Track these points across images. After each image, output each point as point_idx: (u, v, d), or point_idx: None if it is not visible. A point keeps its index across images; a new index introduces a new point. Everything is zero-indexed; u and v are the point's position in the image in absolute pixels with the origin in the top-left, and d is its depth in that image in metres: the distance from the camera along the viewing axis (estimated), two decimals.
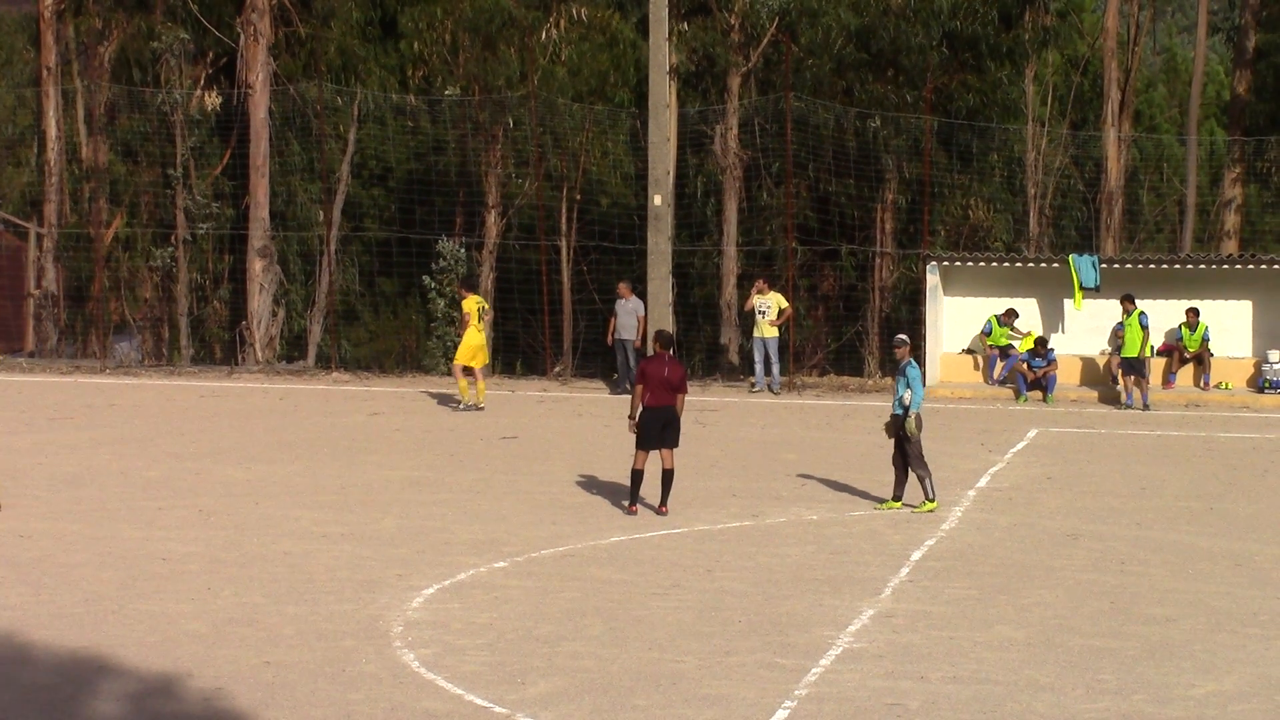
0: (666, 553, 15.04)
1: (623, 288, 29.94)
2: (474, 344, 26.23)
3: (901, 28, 34.11)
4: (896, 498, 17.63)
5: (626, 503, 17.16)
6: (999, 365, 29.71)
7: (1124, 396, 27.69)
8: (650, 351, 19.27)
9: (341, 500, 17.75)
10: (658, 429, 16.78)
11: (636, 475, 16.97)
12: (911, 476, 17.52)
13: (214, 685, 10.56)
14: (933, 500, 17.35)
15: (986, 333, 29.97)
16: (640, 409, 16.81)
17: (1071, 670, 11.09)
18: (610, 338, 29.70)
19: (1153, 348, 29.86)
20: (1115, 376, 28.18)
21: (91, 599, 12.94)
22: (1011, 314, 29.88)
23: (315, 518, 16.62)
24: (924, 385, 16.92)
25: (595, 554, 15.00)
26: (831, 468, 20.63)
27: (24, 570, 13.99)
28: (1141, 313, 27.60)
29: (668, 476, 16.89)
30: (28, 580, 13.61)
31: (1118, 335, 29.99)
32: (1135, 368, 27.49)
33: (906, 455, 17.39)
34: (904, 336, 17.64)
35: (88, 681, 10.68)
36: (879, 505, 17.70)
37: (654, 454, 16.92)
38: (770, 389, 29.54)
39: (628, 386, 29.29)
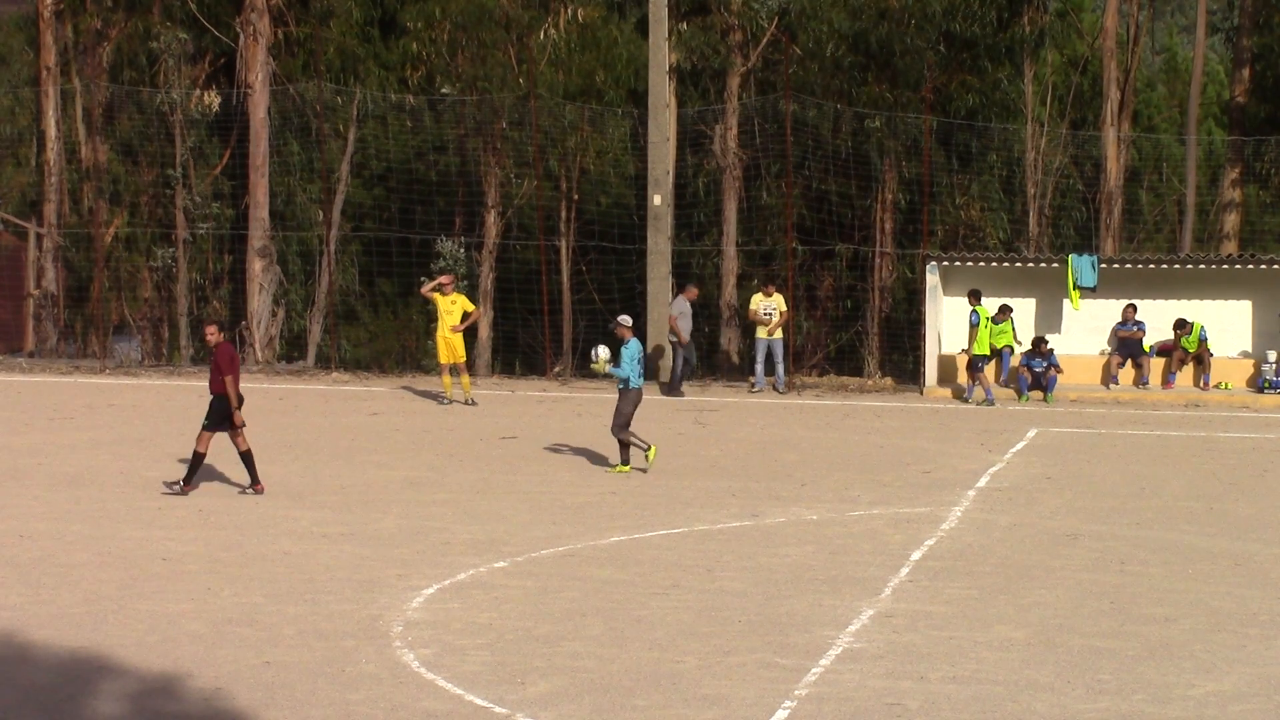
0: (666, 553, 15.04)
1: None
2: (441, 339, 26.79)
3: (895, 31, 34.09)
4: (624, 461, 19.85)
5: (183, 484, 17.79)
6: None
7: (979, 393, 28.27)
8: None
9: (341, 500, 17.75)
10: (219, 413, 17.75)
11: (247, 454, 17.90)
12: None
13: (214, 685, 10.56)
14: (624, 465, 19.79)
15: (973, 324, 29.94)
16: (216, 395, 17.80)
17: (1071, 670, 11.09)
18: (684, 338, 29.33)
19: (1152, 347, 29.92)
20: (969, 374, 28.50)
21: (91, 599, 12.94)
22: (1005, 310, 29.84)
23: (315, 518, 16.63)
24: (636, 362, 19.66)
25: (595, 554, 15.00)
26: (831, 468, 20.64)
27: (24, 570, 13.99)
28: (974, 311, 27.96)
29: (201, 460, 17.88)
30: (28, 580, 13.61)
31: (1117, 335, 30.06)
32: (977, 364, 28.02)
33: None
34: (625, 318, 20.15)
35: (88, 681, 10.68)
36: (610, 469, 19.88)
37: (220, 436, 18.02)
38: (775, 388, 29.58)
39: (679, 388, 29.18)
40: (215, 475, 19.22)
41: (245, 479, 18.26)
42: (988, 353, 28.34)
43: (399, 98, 37.09)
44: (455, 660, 11.23)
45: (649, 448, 19.82)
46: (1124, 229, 38.09)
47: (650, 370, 31.82)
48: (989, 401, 27.93)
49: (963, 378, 28.82)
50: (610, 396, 29.02)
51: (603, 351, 19.95)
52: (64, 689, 10.51)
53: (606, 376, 20.54)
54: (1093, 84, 41.24)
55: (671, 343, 29.23)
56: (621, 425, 19.70)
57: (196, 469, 17.88)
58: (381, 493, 18.27)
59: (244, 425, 17.88)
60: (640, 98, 34.82)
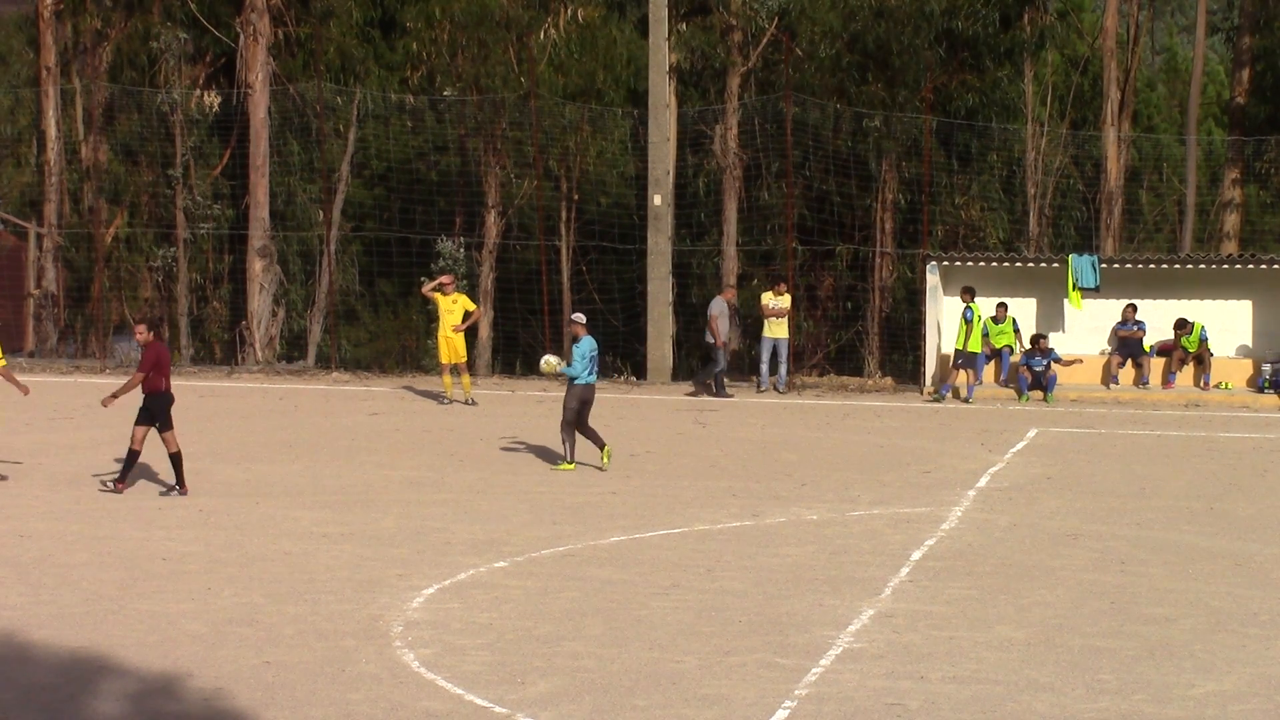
0: (666, 553, 15.04)
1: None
2: (442, 339, 26.85)
3: (892, 31, 34.09)
4: (600, 445, 20.09)
5: (180, 487, 17.83)
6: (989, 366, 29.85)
7: (963, 391, 28.21)
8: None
9: (341, 500, 17.75)
10: (166, 411, 17.73)
11: (136, 455, 17.88)
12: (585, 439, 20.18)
13: (214, 685, 10.56)
14: (569, 463, 20.02)
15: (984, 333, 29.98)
16: (135, 392, 17.73)
17: (1071, 670, 11.09)
18: (720, 340, 29.33)
19: (1152, 347, 29.92)
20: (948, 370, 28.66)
21: (91, 599, 12.94)
22: (1003, 307, 29.83)
23: (315, 518, 16.62)
24: (587, 360, 19.91)
25: (595, 554, 15.00)
26: (831, 468, 20.64)
27: (24, 570, 13.99)
28: (967, 308, 27.93)
29: (180, 458, 17.88)
30: (28, 580, 13.61)
31: (1117, 335, 30.06)
32: (968, 361, 27.92)
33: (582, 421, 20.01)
34: (580, 315, 20.45)
35: (88, 681, 10.68)
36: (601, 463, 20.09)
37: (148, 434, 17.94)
38: (775, 388, 29.59)
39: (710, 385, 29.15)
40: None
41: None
42: (978, 350, 28.28)
43: (399, 98, 37.09)
44: (455, 660, 11.22)
45: (568, 463, 20.00)
46: (1124, 229, 38.10)
47: (657, 371, 31.89)
48: (939, 397, 28.07)
49: (961, 377, 28.76)
50: (612, 395, 29.05)
51: (547, 358, 20.51)
52: (64, 689, 10.51)
53: (560, 377, 20.78)
54: (1093, 84, 41.24)
55: (709, 344, 29.24)
56: (567, 422, 19.98)
57: (179, 467, 17.89)
58: (381, 493, 18.26)
59: (106, 406, 17.88)
60: (640, 98, 34.82)
